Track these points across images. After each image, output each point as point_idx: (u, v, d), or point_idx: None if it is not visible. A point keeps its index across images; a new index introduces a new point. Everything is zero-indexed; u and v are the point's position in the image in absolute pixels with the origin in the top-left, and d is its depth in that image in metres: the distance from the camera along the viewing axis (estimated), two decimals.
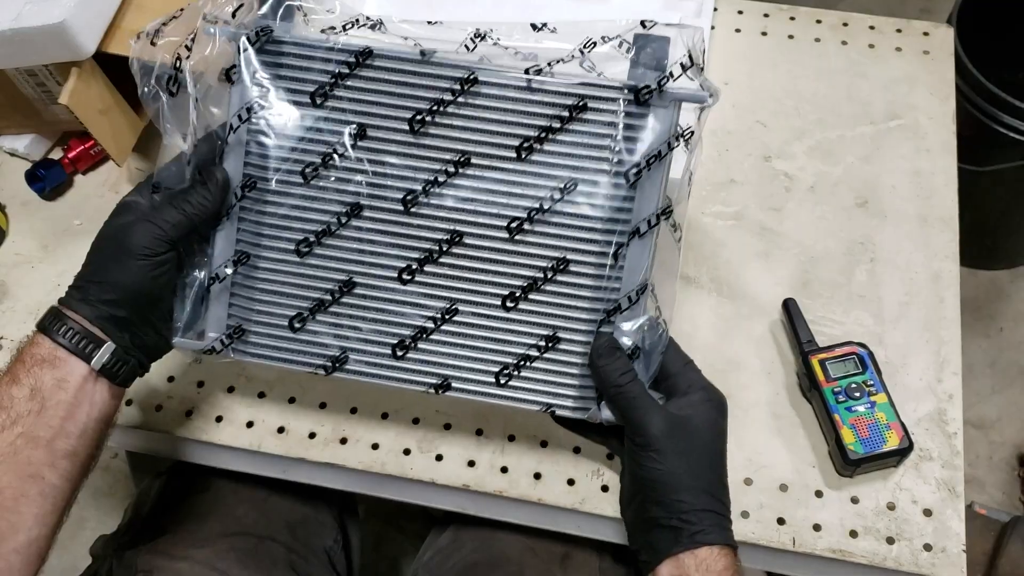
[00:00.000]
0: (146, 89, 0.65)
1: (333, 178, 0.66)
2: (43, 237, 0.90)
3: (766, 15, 0.99)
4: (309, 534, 0.86)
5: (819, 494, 0.73)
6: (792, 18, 0.98)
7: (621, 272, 0.65)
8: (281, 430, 0.77)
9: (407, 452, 0.76)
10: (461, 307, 0.66)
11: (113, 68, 0.82)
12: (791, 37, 0.97)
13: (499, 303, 0.66)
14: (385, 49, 0.64)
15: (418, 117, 0.64)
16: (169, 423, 0.78)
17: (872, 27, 0.97)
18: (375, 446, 0.76)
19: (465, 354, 0.66)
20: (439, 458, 0.76)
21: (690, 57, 0.62)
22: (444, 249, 0.66)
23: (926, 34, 0.96)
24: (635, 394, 0.62)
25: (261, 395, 0.79)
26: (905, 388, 0.77)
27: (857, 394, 0.74)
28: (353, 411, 0.78)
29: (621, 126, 0.63)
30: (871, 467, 0.73)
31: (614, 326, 0.65)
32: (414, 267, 0.66)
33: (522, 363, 0.66)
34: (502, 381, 0.66)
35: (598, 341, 0.64)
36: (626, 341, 0.65)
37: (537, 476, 0.75)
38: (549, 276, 0.65)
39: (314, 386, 0.79)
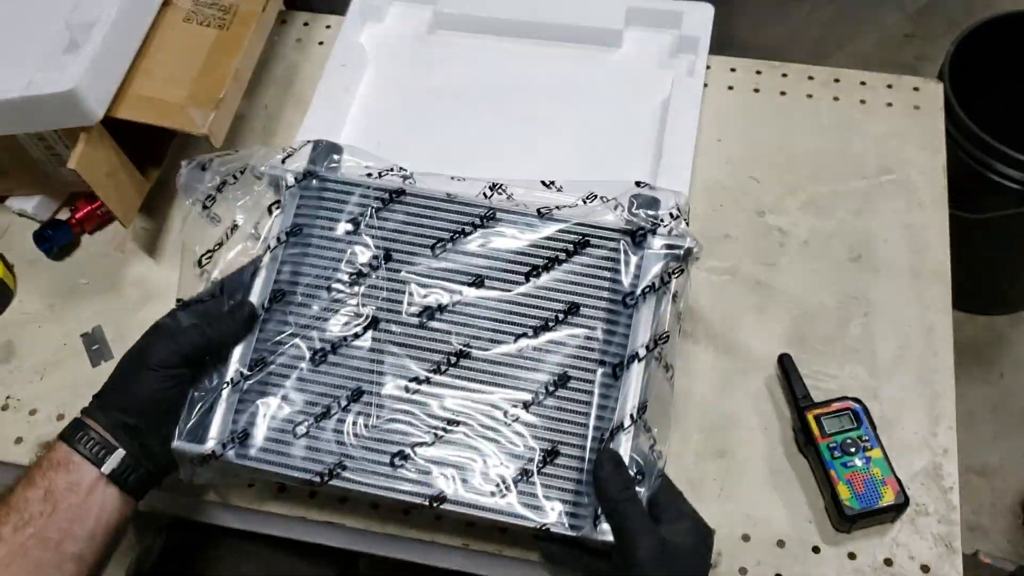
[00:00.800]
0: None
1: (355, 294, 0.72)
2: (50, 296, 0.91)
3: (758, 72, 1.00)
4: None
5: (816, 550, 0.74)
6: (784, 75, 1.00)
7: (618, 391, 0.67)
8: (282, 489, 0.78)
9: (406, 512, 0.77)
10: (463, 419, 0.68)
11: (120, 132, 0.84)
12: (783, 93, 0.99)
13: (501, 415, 0.68)
14: (416, 189, 0.74)
15: (439, 243, 0.72)
16: (173, 482, 0.79)
17: (863, 83, 0.99)
18: (375, 505, 0.77)
19: (464, 466, 0.67)
20: (438, 517, 0.77)
21: (677, 210, 0.72)
22: (452, 362, 0.69)
23: (916, 89, 0.98)
24: (633, 512, 0.62)
25: None
26: (900, 443, 0.77)
27: (852, 449, 0.74)
28: None
29: (621, 261, 0.71)
30: (868, 522, 0.74)
31: (616, 441, 0.66)
32: (422, 378, 0.69)
33: (520, 477, 0.66)
34: (498, 494, 0.66)
35: (603, 454, 0.65)
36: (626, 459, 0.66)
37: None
38: (550, 391, 0.68)
39: None
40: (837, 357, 0.82)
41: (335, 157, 0.77)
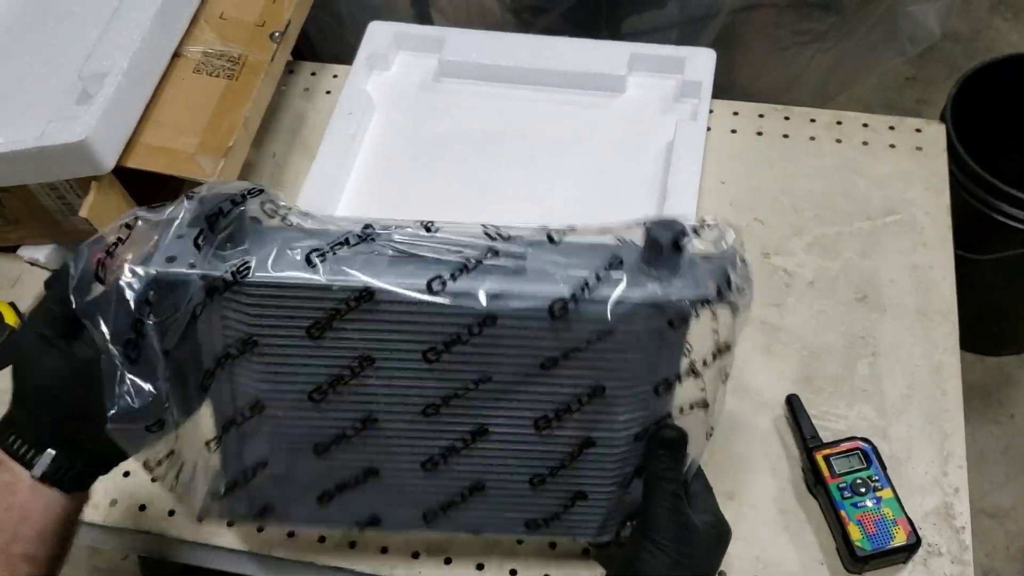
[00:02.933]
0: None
1: (345, 394, 0.60)
2: None
3: (761, 115, 1.02)
4: None
5: None
6: (787, 118, 1.01)
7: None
8: (291, 535, 0.78)
9: (416, 555, 0.76)
10: (488, 483, 0.64)
11: (131, 180, 0.85)
12: (786, 136, 1.00)
13: (525, 481, 0.64)
14: (388, 291, 0.56)
15: (431, 351, 0.58)
16: (180, 528, 0.79)
17: (865, 125, 1.00)
18: (384, 550, 0.77)
19: (492, 516, 0.66)
20: (448, 561, 0.76)
21: (728, 283, 0.59)
22: (468, 442, 0.62)
23: (919, 130, 0.99)
24: (671, 491, 0.62)
25: None
26: (910, 482, 0.77)
27: (863, 489, 0.74)
28: None
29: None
30: (879, 563, 0.73)
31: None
32: (436, 456, 0.63)
33: (550, 519, 0.66)
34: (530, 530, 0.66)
35: (669, 427, 0.63)
36: None
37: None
38: (574, 456, 0.63)
39: None
40: (845, 397, 0.82)
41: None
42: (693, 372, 0.62)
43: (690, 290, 0.57)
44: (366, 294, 0.56)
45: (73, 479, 0.60)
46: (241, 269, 0.56)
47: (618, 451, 0.63)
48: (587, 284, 0.56)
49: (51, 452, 0.58)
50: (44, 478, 0.58)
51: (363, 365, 0.59)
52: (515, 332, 0.57)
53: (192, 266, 0.56)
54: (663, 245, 0.56)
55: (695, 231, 0.58)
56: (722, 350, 0.62)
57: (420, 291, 0.56)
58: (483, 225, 0.58)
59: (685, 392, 0.63)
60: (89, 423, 0.58)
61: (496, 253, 0.57)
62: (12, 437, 0.59)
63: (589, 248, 0.58)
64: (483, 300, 0.56)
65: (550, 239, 0.58)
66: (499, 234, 0.58)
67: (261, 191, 0.58)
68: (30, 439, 0.58)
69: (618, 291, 0.56)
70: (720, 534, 0.64)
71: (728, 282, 0.58)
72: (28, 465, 0.58)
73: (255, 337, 0.58)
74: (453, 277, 0.56)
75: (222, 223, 0.56)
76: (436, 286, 0.56)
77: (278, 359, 0.59)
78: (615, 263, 0.57)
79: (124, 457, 0.61)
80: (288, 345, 0.58)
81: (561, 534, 0.67)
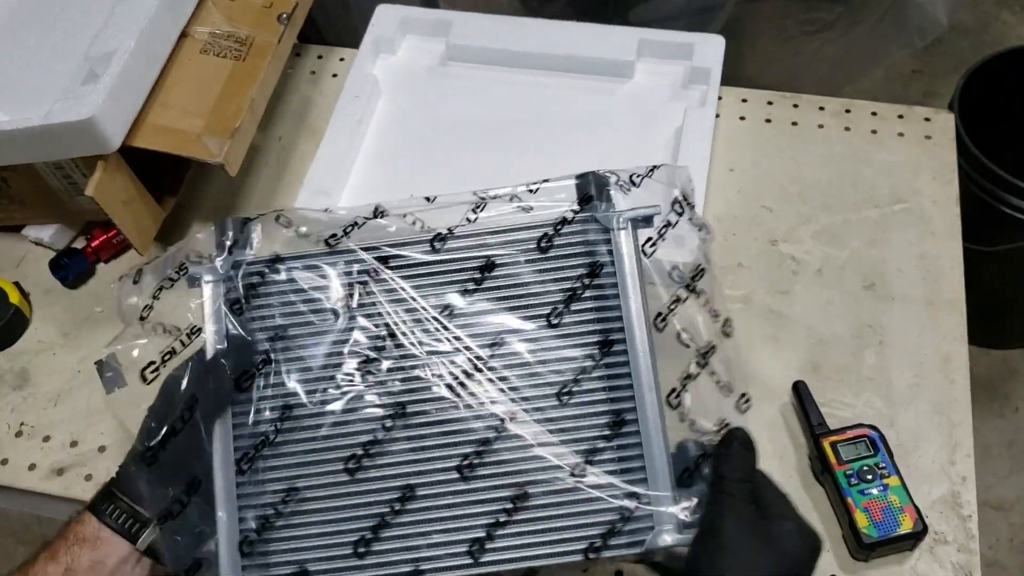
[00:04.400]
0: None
1: (370, 384, 0.62)
2: (65, 325, 0.92)
3: (770, 103, 1.01)
4: None
5: None
6: (795, 105, 1.01)
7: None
8: None
9: None
10: (527, 487, 0.60)
11: (137, 161, 0.85)
12: (795, 124, 0.99)
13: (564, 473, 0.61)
14: (400, 259, 0.63)
15: (444, 310, 0.62)
16: None
17: (874, 113, 0.99)
18: None
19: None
20: None
21: (684, 198, 0.65)
22: (500, 430, 0.61)
23: (927, 119, 0.99)
24: (740, 496, 0.57)
25: None
26: (917, 471, 0.77)
27: (869, 477, 0.74)
28: None
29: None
30: (886, 551, 0.73)
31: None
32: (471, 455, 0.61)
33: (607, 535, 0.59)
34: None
35: (735, 431, 0.60)
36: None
37: None
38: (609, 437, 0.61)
39: None
40: (852, 386, 0.82)
41: (252, 237, 0.66)
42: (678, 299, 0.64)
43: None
44: (381, 259, 0.63)
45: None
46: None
47: (654, 422, 0.60)
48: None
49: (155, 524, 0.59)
50: (148, 552, 0.59)
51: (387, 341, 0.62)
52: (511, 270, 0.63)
53: None
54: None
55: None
56: (698, 275, 0.64)
57: (423, 260, 0.63)
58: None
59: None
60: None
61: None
62: (116, 511, 0.59)
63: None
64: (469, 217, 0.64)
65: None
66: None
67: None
68: (139, 511, 0.59)
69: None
70: (808, 541, 0.58)
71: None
72: (133, 539, 0.59)
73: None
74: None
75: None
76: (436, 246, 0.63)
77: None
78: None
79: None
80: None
81: (624, 550, 0.59)
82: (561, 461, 0.60)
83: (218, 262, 0.63)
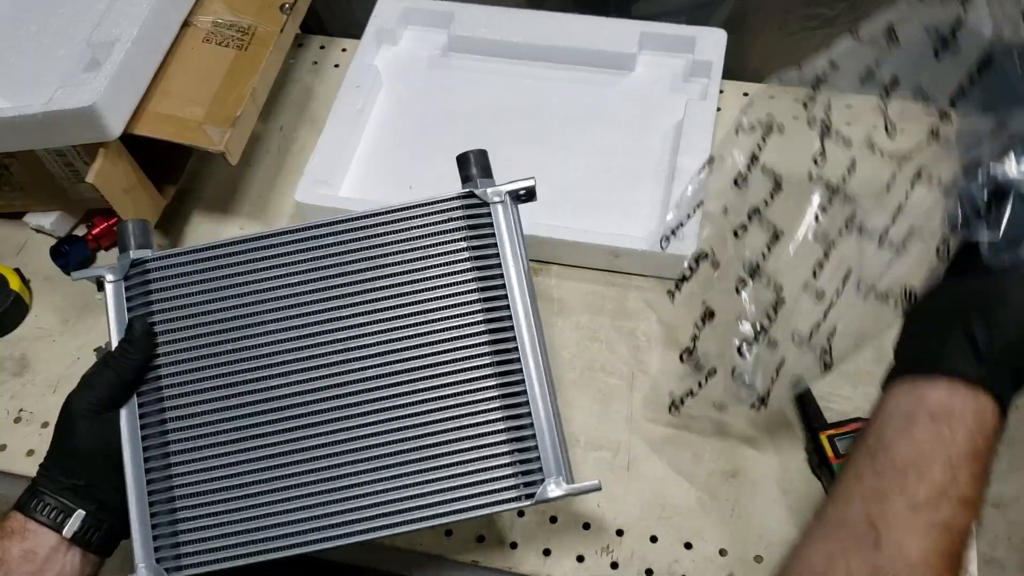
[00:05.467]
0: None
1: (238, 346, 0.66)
2: (64, 312, 0.92)
3: (771, 97, 1.01)
4: None
5: None
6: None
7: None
8: None
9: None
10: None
11: (138, 149, 0.85)
12: (795, 118, 0.99)
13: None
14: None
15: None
16: None
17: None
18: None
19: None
20: (448, 533, 0.76)
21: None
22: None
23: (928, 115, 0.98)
24: None
25: None
26: None
27: None
28: None
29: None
30: None
31: None
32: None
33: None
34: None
35: None
36: None
37: (547, 552, 0.75)
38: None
39: None
40: (851, 378, 0.82)
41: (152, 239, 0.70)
42: None
43: None
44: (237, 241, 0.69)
45: (100, 540, 0.63)
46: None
47: (539, 379, 0.64)
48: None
49: (81, 512, 0.62)
50: (74, 538, 0.61)
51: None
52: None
53: None
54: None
55: None
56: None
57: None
58: None
59: None
60: (120, 490, 0.63)
61: None
62: (41, 505, 0.62)
63: None
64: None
65: None
66: None
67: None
68: (59, 501, 0.62)
69: None
70: None
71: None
72: (59, 528, 0.61)
73: None
74: None
75: None
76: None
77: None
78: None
79: None
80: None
81: (516, 504, 0.63)
82: (452, 425, 0.63)
83: (119, 262, 0.68)
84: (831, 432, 0.76)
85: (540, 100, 0.99)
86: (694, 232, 0.84)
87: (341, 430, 0.63)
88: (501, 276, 0.66)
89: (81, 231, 0.96)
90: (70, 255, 0.93)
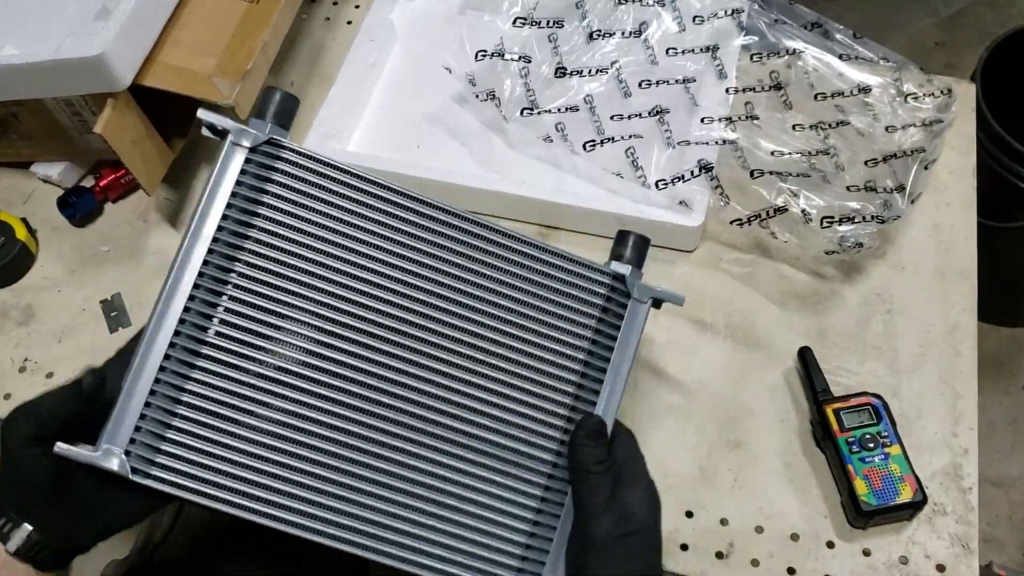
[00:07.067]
0: None
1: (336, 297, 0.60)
2: (71, 262, 0.92)
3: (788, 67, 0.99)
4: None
5: (830, 545, 0.73)
6: None
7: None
8: None
9: None
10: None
11: (147, 101, 0.84)
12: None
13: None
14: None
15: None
16: None
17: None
18: None
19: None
20: None
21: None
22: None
23: (949, 89, 0.97)
24: (599, 486, 0.60)
25: None
26: (920, 441, 0.76)
27: (871, 445, 0.74)
28: None
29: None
30: (884, 519, 0.73)
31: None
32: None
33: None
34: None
35: (587, 420, 0.62)
36: None
37: None
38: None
39: None
40: (858, 353, 0.81)
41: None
42: None
43: None
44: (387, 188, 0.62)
45: (47, 559, 0.58)
46: None
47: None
48: None
49: (27, 527, 0.57)
50: (17, 553, 0.57)
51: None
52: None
53: None
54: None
55: None
56: None
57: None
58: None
59: None
60: (71, 514, 0.58)
61: None
62: None
63: None
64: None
65: None
66: None
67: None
68: (10, 514, 0.57)
69: None
70: (656, 503, 0.61)
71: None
72: (4, 539, 0.57)
73: None
74: None
75: None
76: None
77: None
78: None
79: (103, 538, 0.60)
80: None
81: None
82: (494, 487, 0.61)
83: (253, 127, 0.58)
84: (837, 405, 0.76)
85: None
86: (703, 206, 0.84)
87: (398, 436, 0.59)
88: (606, 366, 0.63)
89: (89, 182, 0.96)
90: (77, 206, 0.92)
